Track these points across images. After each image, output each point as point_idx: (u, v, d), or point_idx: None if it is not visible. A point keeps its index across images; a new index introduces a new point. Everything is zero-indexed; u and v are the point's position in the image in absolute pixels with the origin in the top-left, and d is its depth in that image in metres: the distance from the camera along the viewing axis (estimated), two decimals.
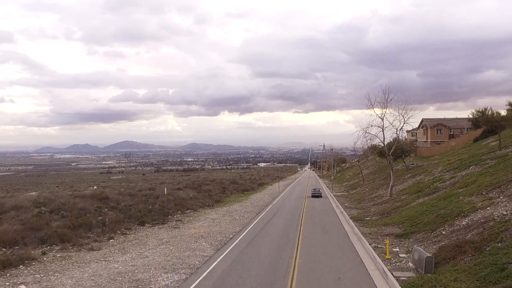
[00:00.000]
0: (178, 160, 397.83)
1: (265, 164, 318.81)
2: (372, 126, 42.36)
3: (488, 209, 20.66)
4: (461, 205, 23.81)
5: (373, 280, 15.99)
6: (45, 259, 19.66)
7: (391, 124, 42.10)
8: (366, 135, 43.40)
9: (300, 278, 16.13)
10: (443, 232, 21.00)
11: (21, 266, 18.02)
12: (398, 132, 43.82)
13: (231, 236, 26.18)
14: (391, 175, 43.92)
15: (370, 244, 21.82)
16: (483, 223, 19.08)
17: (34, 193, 53.28)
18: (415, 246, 19.74)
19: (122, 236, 26.44)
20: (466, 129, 73.38)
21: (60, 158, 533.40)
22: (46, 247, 21.92)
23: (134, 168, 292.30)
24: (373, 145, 55.32)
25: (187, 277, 16.77)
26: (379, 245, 21.97)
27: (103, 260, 19.76)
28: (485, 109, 46.51)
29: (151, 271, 17.56)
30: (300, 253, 20.65)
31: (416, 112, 41.57)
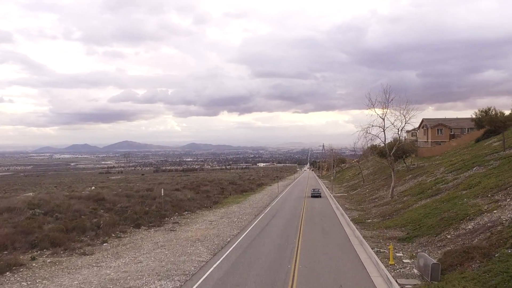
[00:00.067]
0: (177, 160, 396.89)
1: (264, 164, 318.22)
2: (373, 126, 41.65)
3: (495, 213, 19.91)
4: (466, 207, 23.06)
5: None
6: (34, 265, 18.84)
7: (392, 124, 41.36)
8: (366, 136, 42.70)
9: (300, 287, 15.39)
10: (448, 236, 20.24)
11: (7, 273, 17.20)
12: (399, 132, 43.11)
13: (229, 239, 25.41)
14: (393, 176, 43.15)
15: (372, 249, 21.07)
16: (490, 227, 18.33)
17: (31, 193, 52.50)
18: (419, 251, 19.01)
19: (116, 240, 25.66)
20: (467, 129, 72.83)
21: (59, 158, 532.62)
22: (37, 251, 21.12)
23: (133, 168, 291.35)
24: (373, 145, 54.62)
25: (181, 285, 16.02)
26: (381, 250, 21.21)
27: (95, 266, 18.99)
28: (489, 109, 45.84)
29: (144, 278, 16.78)
30: (299, 258, 19.89)
31: (418, 112, 40.85)
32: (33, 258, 19.64)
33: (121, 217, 31.35)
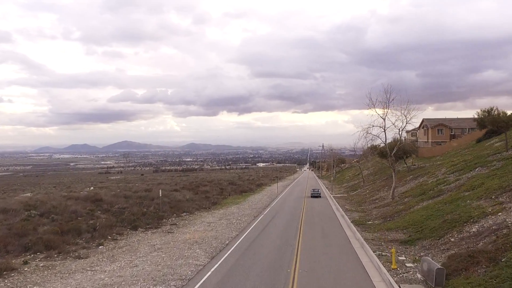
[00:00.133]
0: (177, 160, 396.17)
1: (264, 164, 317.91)
2: (373, 126, 41.15)
3: (499, 215, 19.40)
4: (469, 209, 22.54)
5: None
6: (26, 269, 18.30)
7: (393, 124, 40.85)
8: (367, 136, 42.21)
9: None
10: (452, 240, 19.72)
11: None
12: (400, 132, 42.61)
13: (227, 242, 24.89)
14: (393, 177, 42.65)
15: (374, 252, 20.56)
16: (495, 230, 17.81)
17: (29, 194, 51.97)
18: (423, 255, 18.51)
19: (112, 242, 25.13)
20: (467, 129, 72.42)
21: (59, 158, 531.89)
22: (30, 255, 20.60)
23: (132, 168, 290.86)
24: (374, 145, 54.14)
25: None
26: (383, 253, 20.69)
27: (89, 270, 18.47)
28: (491, 109, 45.28)
29: (139, 283, 16.26)
30: (299, 261, 19.39)
31: (419, 112, 40.28)
32: (25, 262, 19.12)
33: (118, 219, 30.84)
